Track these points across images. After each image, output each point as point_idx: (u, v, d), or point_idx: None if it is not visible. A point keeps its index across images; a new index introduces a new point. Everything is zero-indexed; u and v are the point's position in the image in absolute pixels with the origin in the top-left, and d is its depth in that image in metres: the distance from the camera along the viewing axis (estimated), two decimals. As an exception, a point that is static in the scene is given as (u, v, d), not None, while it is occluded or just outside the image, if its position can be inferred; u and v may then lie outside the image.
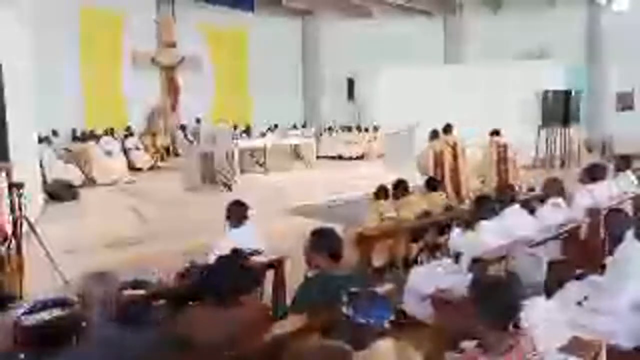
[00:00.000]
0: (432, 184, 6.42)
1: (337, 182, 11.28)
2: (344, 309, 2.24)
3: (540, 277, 2.73)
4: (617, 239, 3.69)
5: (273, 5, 18.22)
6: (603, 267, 3.69)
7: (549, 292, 2.90)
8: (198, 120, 15.48)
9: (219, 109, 17.21)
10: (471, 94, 14.44)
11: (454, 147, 8.45)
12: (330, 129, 18.59)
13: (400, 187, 6.10)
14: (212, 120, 16.22)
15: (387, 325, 2.20)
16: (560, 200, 5.23)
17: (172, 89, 16.39)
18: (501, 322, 2.17)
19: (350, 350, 1.96)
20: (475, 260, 3.95)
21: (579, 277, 3.75)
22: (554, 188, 5.36)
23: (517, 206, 4.79)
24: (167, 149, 15.81)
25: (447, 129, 8.50)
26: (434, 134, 8.46)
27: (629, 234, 3.59)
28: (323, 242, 3.18)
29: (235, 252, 3.78)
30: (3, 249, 4.82)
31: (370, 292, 2.34)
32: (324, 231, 3.27)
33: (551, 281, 3.22)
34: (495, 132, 8.83)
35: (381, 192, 6.06)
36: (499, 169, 8.57)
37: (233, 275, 2.82)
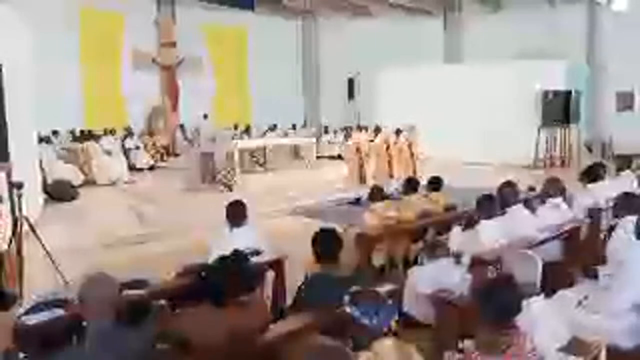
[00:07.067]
0: (434, 184, 6.41)
1: (337, 182, 11.27)
2: (347, 309, 2.24)
3: (534, 278, 2.74)
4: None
5: (273, 5, 18.22)
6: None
7: (547, 293, 2.90)
8: (205, 116, 15.30)
9: (219, 109, 17.21)
10: (471, 93, 14.43)
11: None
12: (328, 130, 18.54)
13: (410, 185, 6.16)
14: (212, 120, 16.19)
15: (389, 325, 2.20)
16: (560, 200, 5.23)
17: (171, 89, 16.39)
18: (501, 322, 2.17)
19: (349, 350, 1.96)
20: (475, 260, 3.95)
21: (578, 278, 3.75)
22: (554, 188, 5.36)
23: (517, 206, 4.79)
24: (167, 149, 15.79)
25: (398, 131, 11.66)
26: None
27: (628, 229, 3.59)
28: (322, 243, 3.18)
29: (235, 252, 3.78)
30: (5, 246, 4.82)
31: (374, 293, 2.34)
32: (323, 231, 3.28)
33: (550, 282, 3.23)
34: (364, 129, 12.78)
35: (376, 193, 6.02)
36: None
37: (233, 275, 2.82)
